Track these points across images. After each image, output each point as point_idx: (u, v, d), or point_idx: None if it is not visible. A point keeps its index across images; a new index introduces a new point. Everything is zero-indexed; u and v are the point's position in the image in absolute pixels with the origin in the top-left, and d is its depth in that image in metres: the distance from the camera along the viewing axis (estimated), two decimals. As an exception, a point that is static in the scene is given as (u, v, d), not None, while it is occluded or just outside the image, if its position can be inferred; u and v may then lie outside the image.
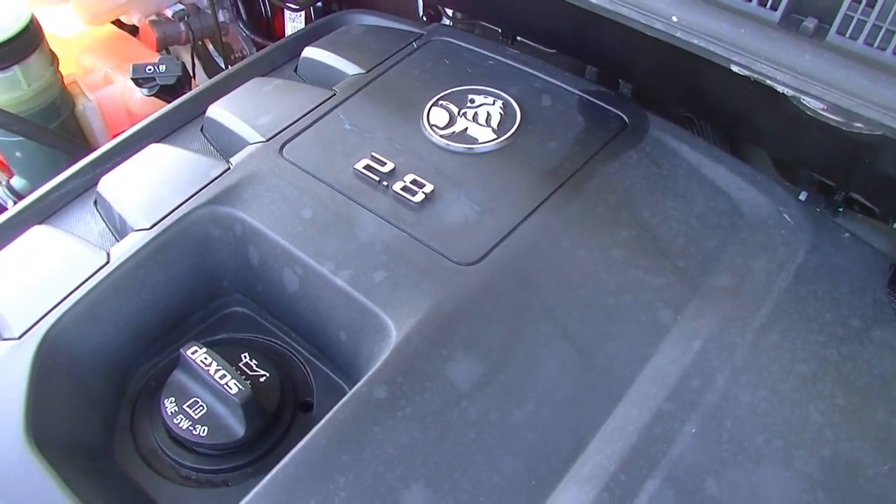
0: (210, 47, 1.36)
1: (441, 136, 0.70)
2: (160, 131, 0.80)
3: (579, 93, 0.75)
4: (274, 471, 0.51)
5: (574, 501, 0.49)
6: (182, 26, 1.26)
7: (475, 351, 0.57)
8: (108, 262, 0.64)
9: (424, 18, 1.16)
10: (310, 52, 0.84)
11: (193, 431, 0.59)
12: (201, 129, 0.80)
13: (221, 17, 1.29)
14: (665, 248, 0.62)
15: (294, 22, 1.25)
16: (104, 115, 1.07)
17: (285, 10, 1.23)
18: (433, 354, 0.56)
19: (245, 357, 0.64)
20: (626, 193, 0.66)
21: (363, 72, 0.78)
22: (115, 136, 1.09)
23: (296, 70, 0.86)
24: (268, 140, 0.72)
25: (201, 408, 0.60)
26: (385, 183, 0.67)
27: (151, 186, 0.70)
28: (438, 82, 0.76)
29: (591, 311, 0.59)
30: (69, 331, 0.61)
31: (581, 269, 0.61)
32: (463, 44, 0.81)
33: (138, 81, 0.93)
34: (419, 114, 0.73)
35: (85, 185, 0.76)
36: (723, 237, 0.63)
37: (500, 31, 0.97)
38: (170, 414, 0.60)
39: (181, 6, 1.26)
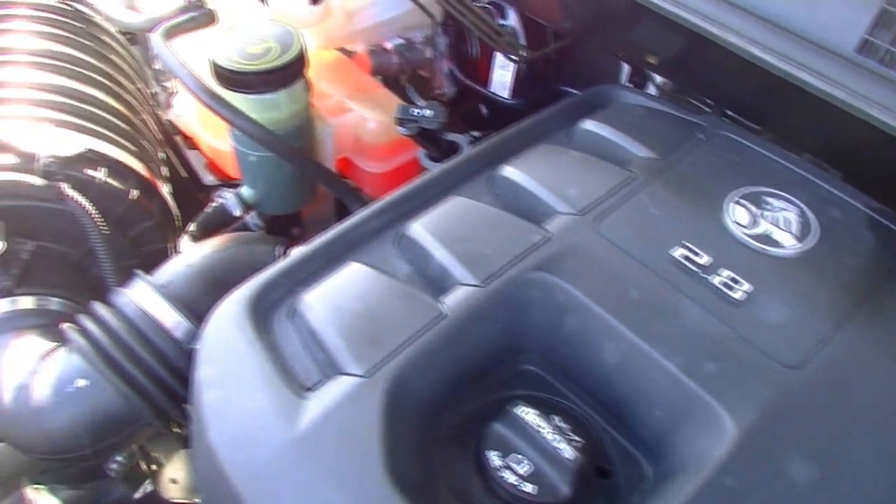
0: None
1: (746, 234, 0.75)
2: (448, 181, 0.85)
3: (865, 208, 0.79)
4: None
5: None
6: (395, 58, 1.31)
7: (809, 452, 0.61)
8: (444, 315, 0.68)
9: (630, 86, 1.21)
10: (592, 125, 0.88)
11: (519, 487, 0.63)
12: (487, 183, 0.84)
13: (428, 53, 1.35)
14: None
15: (503, 69, 1.30)
16: (336, 141, 1.12)
17: (497, 57, 1.28)
18: (773, 451, 0.60)
19: (557, 419, 0.68)
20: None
21: (656, 157, 0.83)
22: (341, 162, 1.15)
23: (566, 137, 0.91)
24: (580, 213, 0.76)
25: (528, 465, 0.64)
26: (704, 275, 0.71)
27: (472, 241, 0.74)
28: (732, 179, 0.80)
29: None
30: (411, 374, 0.66)
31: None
32: (745, 141, 0.86)
33: (401, 121, 0.98)
34: (720, 209, 0.77)
35: (384, 224, 0.80)
36: None
37: (710, 103, 1.02)
38: (495, 467, 0.64)
39: (402, 41, 1.31)
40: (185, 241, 1.10)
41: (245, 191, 1.13)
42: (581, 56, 1.25)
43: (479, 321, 0.69)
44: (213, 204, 1.14)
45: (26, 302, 0.93)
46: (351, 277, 0.73)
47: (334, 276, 0.74)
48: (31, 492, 0.95)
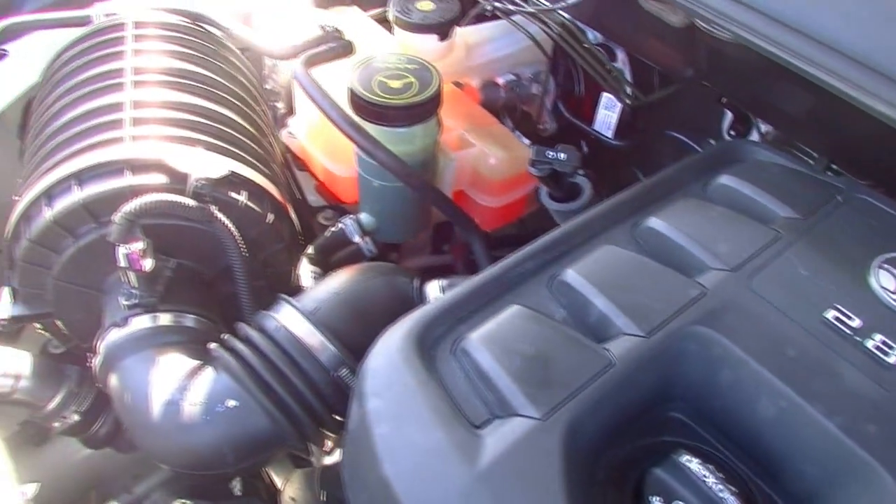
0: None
1: (894, 300, 0.78)
2: (593, 228, 0.88)
3: None
4: None
5: None
6: (504, 93, 1.35)
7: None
8: (613, 364, 0.71)
9: (732, 133, 1.24)
10: (730, 181, 0.92)
11: (684, 534, 0.66)
12: (631, 233, 0.87)
13: (535, 89, 1.38)
14: None
15: (608, 110, 1.34)
16: (455, 174, 1.16)
17: (604, 98, 1.31)
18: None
19: (715, 468, 0.71)
20: None
21: (798, 217, 0.86)
22: (455, 195, 1.19)
23: (702, 191, 0.94)
24: (733, 270, 0.79)
25: (690, 511, 0.67)
26: (857, 338, 0.74)
27: (630, 291, 0.77)
28: (876, 243, 0.83)
29: None
30: (583, 419, 0.69)
31: None
32: (883, 206, 0.89)
33: (534, 162, 1.01)
34: (867, 272, 0.80)
35: (537, 267, 0.84)
36: None
37: (816, 155, 1.05)
38: (657, 510, 0.67)
39: (512, 76, 1.35)
40: (304, 264, 1.14)
41: (364, 217, 1.16)
42: (684, 100, 1.28)
43: (643, 371, 0.73)
44: (333, 228, 1.17)
45: (165, 318, 0.97)
46: (516, 320, 0.77)
47: (498, 317, 0.77)
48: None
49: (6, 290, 1.07)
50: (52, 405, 1.13)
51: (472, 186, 1.20)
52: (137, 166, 0.97)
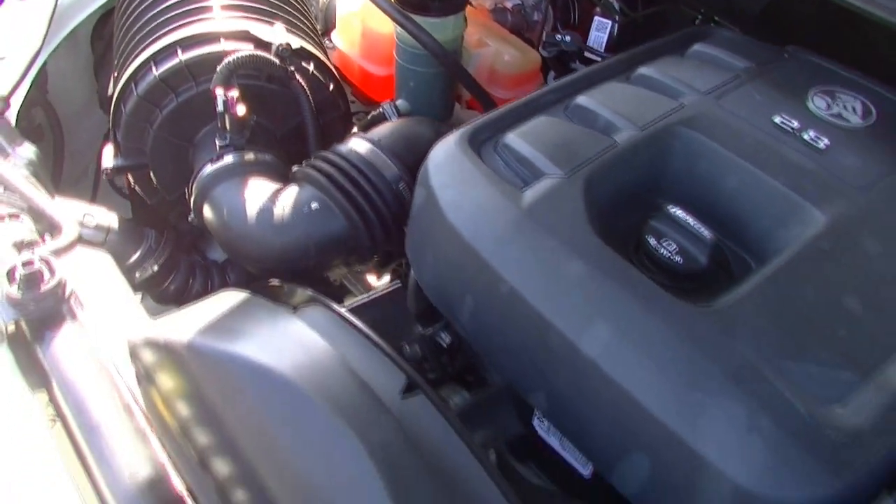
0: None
1: (824, 113, 1.03)
2: (600, 74, 1.13)
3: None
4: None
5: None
6: (510, 17, 1.61)
7: (875, 233, 0.88)
8: (617, 144, 0.96)
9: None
10: (703, 47, 1.17)
11: (671, 259, 0.91)
12: (627, 77, 1.12)
13: (537, 16, 1.65)
14: None
15: (599, 31, 1.60)
16: (476, 68, 1.41)
17: (595, 21, 1.58)
18: (851, 231, 0.88)
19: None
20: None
21: (755, 65, 1.12)
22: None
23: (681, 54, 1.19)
24: (704, 94, 1.05)
25: (675, 246, 0.91)
26: (796, 133, 0.99)
27: (629, 107, 1.02)
28: (813, 81, 1.09)
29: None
30: (597, 179, 0.93)
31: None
32: (820, 61, 1.15)
33: (545, 44, 1.26)
34: (804, 98, 1.06)
35: (557, 98, 1.08)
36: None
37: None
38: (653, 246, 0.91)
39: (518, 2, 1.61)
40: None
41: (401, 103, 1.40)
42: (666, 21, 1.55)
43: (640, 153, 0.97)
44: (373, 112, 1.41)
45: (251, 155, 1.20)
46: (542, 124, 1.01)
47: (531, 122, 1.01)
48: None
49: (109, 146, 1.29)
50: (135, 258, 1.35)
51: (490, 81, 1.45)
52: (229, 36, 1.21)
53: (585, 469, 0.97)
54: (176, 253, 1.37)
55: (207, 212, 1.18)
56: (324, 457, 0.76)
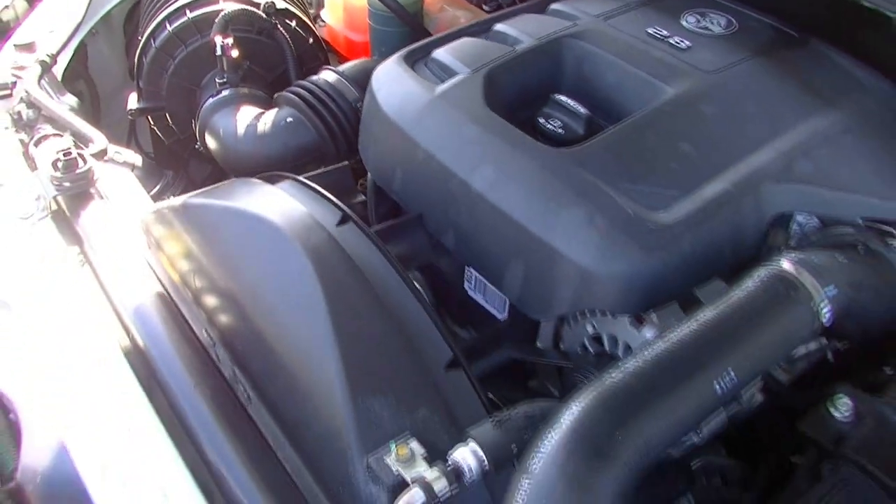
0: None
1: (693, 26, 1.28)
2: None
3: (772, 21, 1.32)
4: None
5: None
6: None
7: (714, 101, 1.12)
8: (515, 51, 1.23)
9: None
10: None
11: (556, 131, 1.15)
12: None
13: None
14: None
15: None
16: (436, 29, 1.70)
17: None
18: (693, 99, 1.12)
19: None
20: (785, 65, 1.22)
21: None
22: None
23: None
24: (595, 17, 1.31)
25: (559, 122, 1.16)
26: (664, 39, 1.24)
27: (532, 26, 1.29)
28: (687, 5, 1.34)
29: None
30: (496, 77, 1.19)
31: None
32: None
33: (486, 1, 1.54)
34: (678, 17, 1.31)
35: (480, 30, 1.35)
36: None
37: None
38: (542, 122, 1.17)
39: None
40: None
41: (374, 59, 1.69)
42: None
43: (536, 56, 1.23)
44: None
45: (244, 90, 1.49)
46: (465, 42, 1.28)
47: (455, 42, 1.28)
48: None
49: (133, 94, 1.60)
50: (154, 192, 1.64)
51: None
52: (227, -1, 1.51)
53: (501, 315, 1.21)
54: (189, 188, 1.66)
55: (208, 136, 1.47)
56: (271, 262, 1.01)
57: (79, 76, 1.80)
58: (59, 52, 1.55)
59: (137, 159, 1.58)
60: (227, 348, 0.98)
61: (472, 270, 1.18)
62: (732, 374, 0.77)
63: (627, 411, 0.71)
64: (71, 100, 1.54)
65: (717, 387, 0.76)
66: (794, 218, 1.05)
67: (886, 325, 0.99)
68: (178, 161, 1.69)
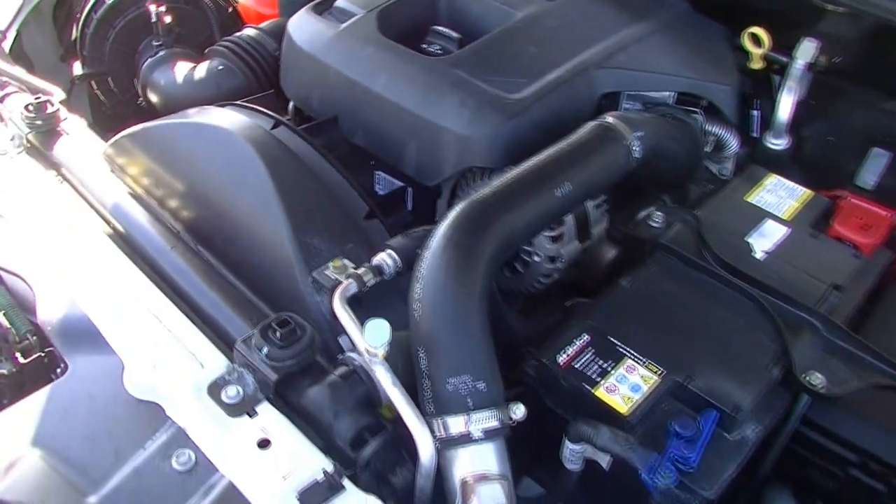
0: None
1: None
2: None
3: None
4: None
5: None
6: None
7: (541, 26, 1.48)
8: (401, -8, 1.56)
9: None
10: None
11: (435, 53, 1.49)
12: None
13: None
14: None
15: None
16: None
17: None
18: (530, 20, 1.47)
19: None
20: None
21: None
22: None
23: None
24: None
25: (438, 46, 1.50)
26: None
27: None
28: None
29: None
30: (389, 14, 1.52)
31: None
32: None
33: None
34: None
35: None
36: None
37: None
38: (424, 48, 1.50)
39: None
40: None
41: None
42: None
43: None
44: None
45: (178, 49, 1.77)
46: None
47: None
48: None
49: (77, 63, 1.86)
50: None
51: None
52: (157, -25, 1.79)
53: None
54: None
55: (150, 91, 1.74)
56: (223, 156, 1.30)
57: (19, 59, 2.04)
58: (7, 30, 1.80)
59: (83, 123, 1.83)
60: (190, 233, 1.26)
61: (379, 174, 1.50)
62: (568, 185, 1.10)
63: (494, 203, 1.03)
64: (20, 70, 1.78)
65: (559, 192, 1.09)
66: (622, 100, 1.42)
67: (690, 167, 1.37)
68: (119, 124, 1.94)
